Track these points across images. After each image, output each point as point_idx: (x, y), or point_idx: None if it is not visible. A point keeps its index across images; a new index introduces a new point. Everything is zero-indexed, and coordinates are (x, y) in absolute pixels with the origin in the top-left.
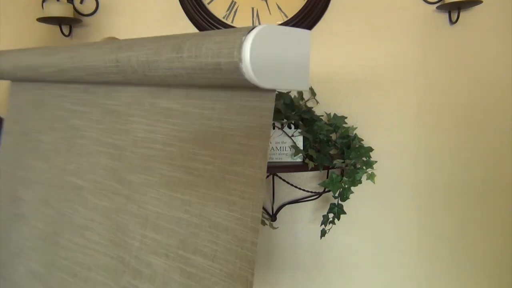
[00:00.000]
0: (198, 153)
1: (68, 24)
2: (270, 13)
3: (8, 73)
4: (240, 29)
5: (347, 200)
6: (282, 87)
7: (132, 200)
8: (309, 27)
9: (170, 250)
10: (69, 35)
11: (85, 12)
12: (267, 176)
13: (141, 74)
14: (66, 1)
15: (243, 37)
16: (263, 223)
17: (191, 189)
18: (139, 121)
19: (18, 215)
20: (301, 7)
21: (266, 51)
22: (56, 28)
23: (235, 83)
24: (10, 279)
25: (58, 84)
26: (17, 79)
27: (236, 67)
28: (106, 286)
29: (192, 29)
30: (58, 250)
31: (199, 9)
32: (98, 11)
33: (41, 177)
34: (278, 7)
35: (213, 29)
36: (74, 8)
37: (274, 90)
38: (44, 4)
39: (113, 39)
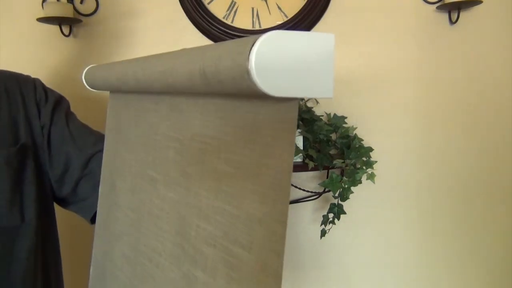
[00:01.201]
0: (238, 146)
1: (68, 24)
2: (270, 13)
3: (98, 86)
4: (250, 38)
5: (347, 200)
6: (302, 95)
7: (190, 192)
8: (309, 27)
9: (217, 241)
10: (69, 35)
11: (85, 12)
12: None
13: (183, 97)
14: (66, 1)
15: (250, 47)
16: None
17: (232, 181)
18: (195, 116)
19: (116, 203)
20: (301, 7)
21: (277, 59)
22: (56, 28)
23: (253, 93)
24: (112, 260)
25: None
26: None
27: (245, 78)
28: (172, 272)
29: (192, 29)
30: (140, 236)
31: (199, 9)
32: (98, 11)
33: (130, 169)
34: (278, 7)
35: (213, 29)
36: (74, 8)
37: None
38: (44, 4)
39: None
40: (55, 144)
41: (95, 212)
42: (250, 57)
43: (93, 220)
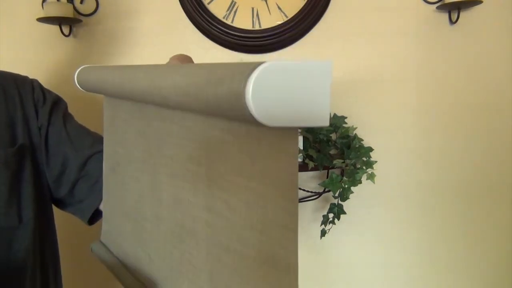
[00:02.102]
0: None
1: (68, 24)
2: (270, 13)
3: (91, 89)
4: (247, 67)
5: (347, 200)
6: (298, 125)
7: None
8: (309, 27)
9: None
10: (69, 35)
11: (85, 12)
12: None
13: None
14: (66, 1)
15: (247, 77)
16: None
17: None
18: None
19: (120, 102)
20: (301, 7)
21: (274, 90)
22: (56, 28)
23: (249, 121)
24: (126, 144)
25: None
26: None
27: (241, 108)
28: (189, 120)
29: (192, 29)
30: (149, 119)
31: (199, 9)
32: (98, 11)
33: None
34: (278, 7)
35: (213, 29)
36: (74, 8)
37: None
38: (44, 4)
39: (183, 56)
40: (52, 145)
41: (92, 214)
42: (247, 89)
43: (90, 222)
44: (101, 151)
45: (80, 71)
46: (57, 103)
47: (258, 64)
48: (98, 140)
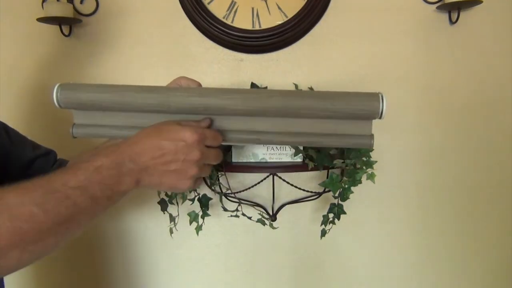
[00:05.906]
0: None
1: (68, 24)
2: (270, 13)
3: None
4: (374, 96)
5: (347, 200)
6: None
7: None
8: (309, 27)
9: None
10: (69, 35)
11: (85, 12)
12: (267, 177)
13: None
14: (66, 1)
15: (381, 101)
16: (263, 223)
17: None
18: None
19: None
20: (301, 7)
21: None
22: (56, 28)
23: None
24: None
25: None
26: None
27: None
28: None
29: (192, 29)
30: None
31: (199, 9)
32: (98, 11)
33: None
34: (278, 7)
35: (213, 29)
36: (74, 8)
37: None
38: (44, 4)
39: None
40: None
41: None
42: (383, 106)
43: None
44: (43, 155)
45: (62, 89)
46: None
47: (378, 97)
48: (37, 145)
